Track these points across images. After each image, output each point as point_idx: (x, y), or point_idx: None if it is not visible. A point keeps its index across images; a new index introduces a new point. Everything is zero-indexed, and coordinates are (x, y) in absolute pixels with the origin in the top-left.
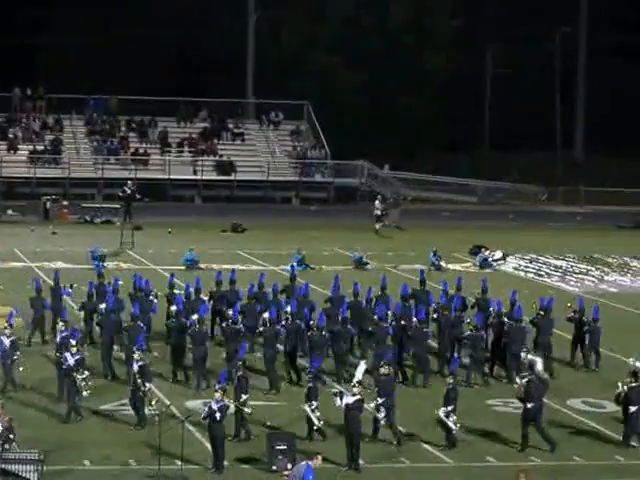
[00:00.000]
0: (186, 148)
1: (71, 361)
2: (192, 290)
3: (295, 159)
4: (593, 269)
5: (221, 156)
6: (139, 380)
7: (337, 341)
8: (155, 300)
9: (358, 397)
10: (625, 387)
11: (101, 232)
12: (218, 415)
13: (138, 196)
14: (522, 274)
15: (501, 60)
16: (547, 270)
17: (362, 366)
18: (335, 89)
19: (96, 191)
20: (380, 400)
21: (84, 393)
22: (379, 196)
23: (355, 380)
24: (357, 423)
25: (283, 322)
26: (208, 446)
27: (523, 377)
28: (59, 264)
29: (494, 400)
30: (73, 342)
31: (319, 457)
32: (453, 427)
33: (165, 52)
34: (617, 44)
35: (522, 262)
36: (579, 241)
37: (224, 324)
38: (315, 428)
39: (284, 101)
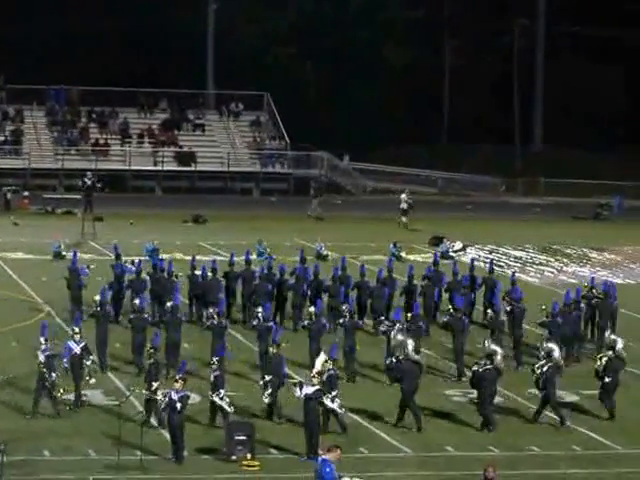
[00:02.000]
0: (146, 139)
1: (77, 349)
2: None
3: (255, 150)
4: (552, 260)
5: (181, 147)
6: (44, 370)
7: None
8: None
9: (317, 387)
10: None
11: (62, 223)
12: (178, 405)
13: (99, 186)
14: (482, 265)
15: (460, 52)
16: (507, 261)
17: (322, 356)
18: (295, 80)
19: (57, 182)
20: (334, 392)
21: (92, 380)
22: (406, 189)
23: (315, 371)
24: (316, 413)
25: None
26: (168, 436)
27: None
28: (20, 254)
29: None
30: (77, 329)
31: (338, 450)
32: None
33: (126, 43)
34: (575, 37)
35: (482, 253)
36: (538, 232)
37: (132, 315)
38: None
39: (244, 92)
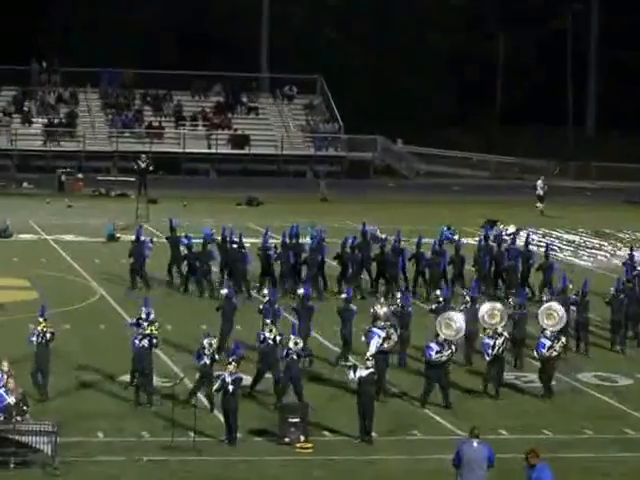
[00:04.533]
0: (200, 122)
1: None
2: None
3: (308, 133)
4: (605, 244)
5: (235, 130)
6: None
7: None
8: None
9: (371, 370)
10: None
11: (116, 205)
12: (231, 387)
13: (152, 169)
14: (535, 249)
15: (513, 35)
16: (560, 245)
17: (376, 339)
18: (348, 63)
19: (111, 164)
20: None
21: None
22: (542, 176)
23: (369, 353)
24: (370, 396)
25: None
26: (221, 418)
27: None
28: (73, 237)
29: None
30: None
31: None
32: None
33: (180, 25)
34: (629, 22)
35: (535, 237)
36: (590, 216)
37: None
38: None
39: (298, 75)
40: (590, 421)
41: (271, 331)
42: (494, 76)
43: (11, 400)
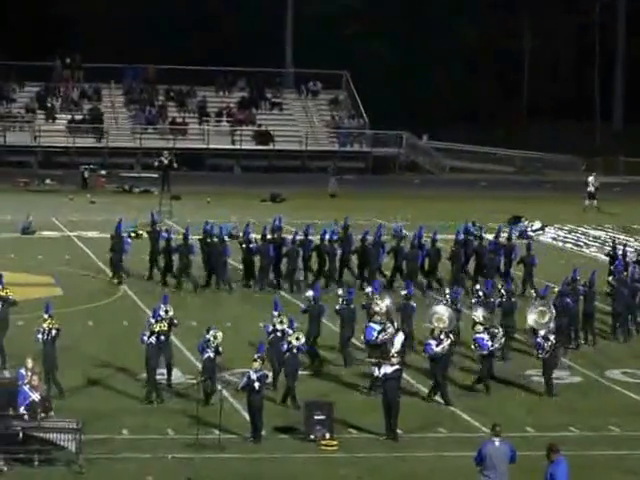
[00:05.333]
0: (224, 118)
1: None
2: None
3: (333, 129)
4: (632, 240)
5: (259, 126)
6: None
7: None
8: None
9: (396, 367)
10: None
11: (139, 201)
12: (257, 385)
13: (175, 166)
14: (560, 244)
15: (539, 30)
16: (585, 241)
17: (400, 336)
18: (373, 59)
19: (134, 160)
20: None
21: None
22: (594, 173)
23: (394, 350)
24: (395, 393)
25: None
26: (246, 416)
27: None
28: (96, 233)
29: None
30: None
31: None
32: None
33: (204, 21)
34: None
35: (560, 233)
36: (618, 212)
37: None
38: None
39: (322, 70)
40: (617, 418)
41: (282, 322)
42: (521, 71)
43: (35, 397)
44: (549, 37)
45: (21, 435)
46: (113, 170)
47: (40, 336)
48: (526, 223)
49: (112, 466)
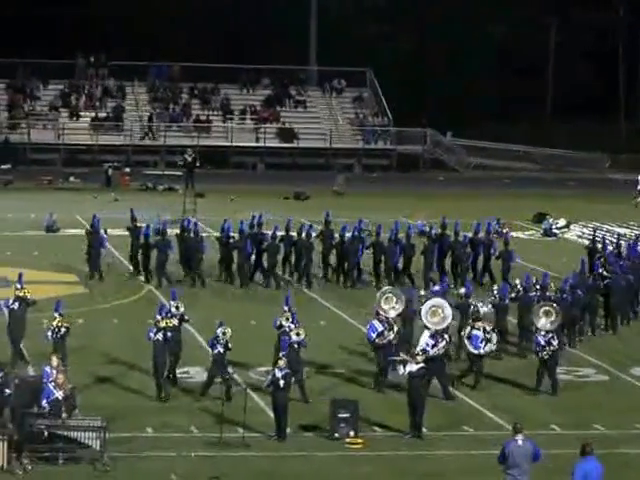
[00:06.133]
0: (248, 115)
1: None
2: None
3: (357, 126)
4: None
5: (283, 123)
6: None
7: None
8: None
9: (421, 365)
10: None
11: (163, 199)
12: (281, 383)
13: (198, 164)
14: (586, 242)
15: (564, 27)
16: (611, 238)
17: (426, 333)
18: (396, 56)
19: (158, 158)
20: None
21: None
22: None
23: (419, 348)
24: (420, 391)
25: None
26: (271, 414)
27: None
28: (120, 231)
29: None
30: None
31: None
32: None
33: (228, 19)
34: None
35: (585, 230)
36: None
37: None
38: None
39: (346, 68)
40: None
41: (287, 319)
42: (546, 67)
43: (59, 395)
44: (574, 34)
45: (46, 433)
46: (137, 168)
47: (50, 334)
48: (551, 221)
49: (136, 464)
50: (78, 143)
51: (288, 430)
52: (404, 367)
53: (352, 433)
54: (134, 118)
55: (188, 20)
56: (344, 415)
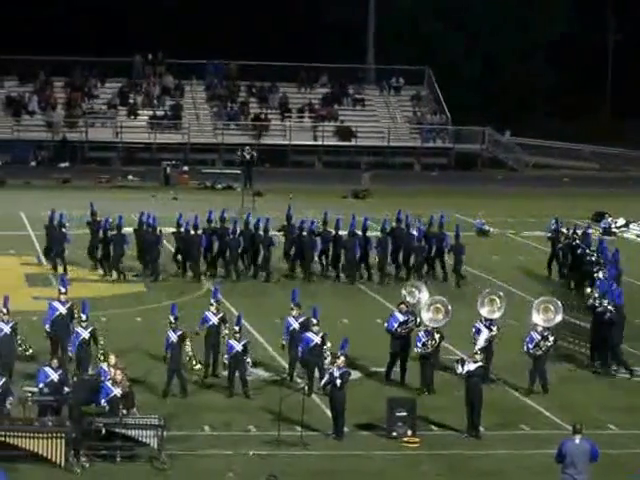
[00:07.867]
0: (306, 114)
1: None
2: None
3: (415, 125)
4: None
5: (342, 122)
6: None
7: None
8: None
9: (480, 364)
10: None
11: (222, 198)
12: (339, 382)
13: (255, 162)
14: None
15: (624, 25)
16: None
17: (485, 333)
18: (455, 55)
19: (216, 156)
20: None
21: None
22: None
23: (477, 347)
24: (478, 390)
25: None
26: (328, 413)
27: None
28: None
29: None
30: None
31: None
32: None
33: (286, 18)
34: None
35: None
36: None
37: None
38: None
39: (404, 66)
40: None
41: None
42: (604, 66)
43: (117, 392)
44: (633, 31)
45: (104, 431)
46: (195, 166)
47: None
48: (610, 220)
49: (194, 462)
50: (136, 141)
51: (345, 429)
52: (462, 366)
53: (409, 432)
54: (192, 116)
55: (246, 19)
56: (401, 414)
